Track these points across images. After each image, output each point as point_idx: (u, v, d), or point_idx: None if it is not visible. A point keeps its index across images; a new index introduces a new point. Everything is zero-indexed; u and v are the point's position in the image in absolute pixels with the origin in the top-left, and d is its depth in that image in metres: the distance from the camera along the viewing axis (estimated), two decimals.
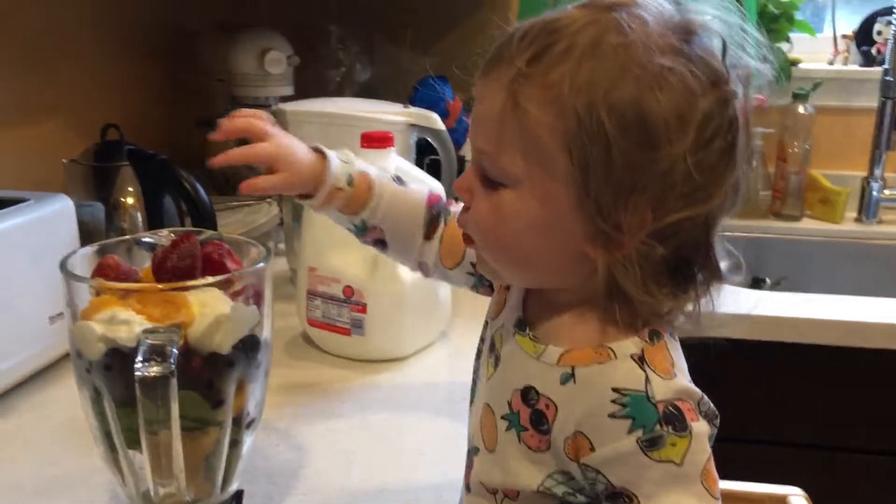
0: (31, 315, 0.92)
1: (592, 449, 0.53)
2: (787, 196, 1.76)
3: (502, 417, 0.58)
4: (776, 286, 1.64)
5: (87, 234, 1.07)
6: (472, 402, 0.66)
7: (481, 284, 0.73)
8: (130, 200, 1.14)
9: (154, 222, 1.12)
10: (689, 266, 0.55)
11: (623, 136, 0.50)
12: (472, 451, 0.62)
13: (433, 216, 0.74)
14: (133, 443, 0.61)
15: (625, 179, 0.51)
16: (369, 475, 0.79)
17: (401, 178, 0.76)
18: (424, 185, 0.77)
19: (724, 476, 0.77)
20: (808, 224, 1.75)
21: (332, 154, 0.72)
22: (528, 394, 0.57)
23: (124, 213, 1.13)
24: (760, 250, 1.71)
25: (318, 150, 0.73)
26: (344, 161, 0.73)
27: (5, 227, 0.90)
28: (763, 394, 1.29)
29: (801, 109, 1.73)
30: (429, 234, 0.74)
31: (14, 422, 0.87)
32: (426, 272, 0.75)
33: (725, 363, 1.24)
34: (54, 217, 0.98)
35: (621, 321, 0.55)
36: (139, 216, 1.13)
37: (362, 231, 0.74)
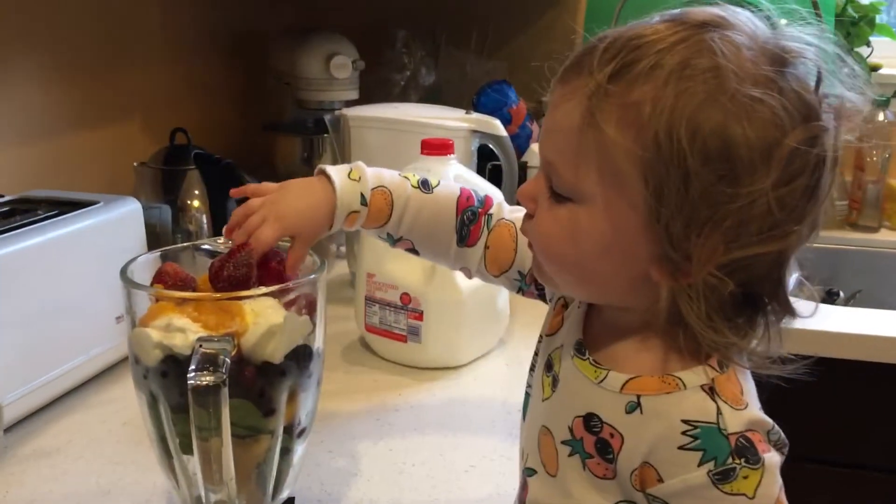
0: (99, 315, 0.95)
1: (661, 480, 0.52)
2: (864, 206, 1.69)
3: (563, 443, 0.57)
4: (851, 300, 1.58)
5: (154, 236, 1.10)
6: (524, 417, 0.65)
7: (527, 288, 0.72)
8: (196, 203, 1.16)
9: (219, 225, 1.14)
10: (758, 301, 0.53)
11: (703, 167, 0.48)
12: (528, 472, 0.61)
13: (466, 221, 0.72)
14: (187, 448, 0.62)
15: (700, 211, 0.49)
16: (419, 487, 0.79)
17: (427, 181, 0.74)
18: (454, 186, 0.75)
19: (793, 499, 0.75)
20: (885, 236, 1.68)
21: (337, 178, 0.70)
22: (590, 421, 0.55)
23: (190, 216, 1.16)
24: (835, 262, 1.65)
25: (322, 173, 0.71)
26: (354, 179, 0.71)
27: (76, 229, 0.93)
28: (835, 413, 1.25)
29: (880, 116, 1.66)
30: (465, 240, 0.72)
31: (80, 419, 0.90)
32: (468, 274, 0.75)
33: (797, 382, 1.21)
34: (123, 219, 1.00)
35: (685, 350, 0.53)
36: (204, 219, 1.15)
37: (392, 242, 0.74)
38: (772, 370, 0.54)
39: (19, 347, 0.85)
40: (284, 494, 0.69)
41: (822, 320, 1.23)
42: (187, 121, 1.26)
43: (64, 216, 0.94)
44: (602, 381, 0.55)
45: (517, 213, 0.73)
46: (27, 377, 0.87)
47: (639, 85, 0.49)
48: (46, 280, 0.89)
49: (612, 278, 0.54)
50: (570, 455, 0.57)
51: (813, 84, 0.50)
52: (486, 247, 0.72)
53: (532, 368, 0.66)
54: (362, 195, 0.70)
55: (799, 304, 0.54)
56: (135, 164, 1.19)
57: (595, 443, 0.55)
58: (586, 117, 0.50)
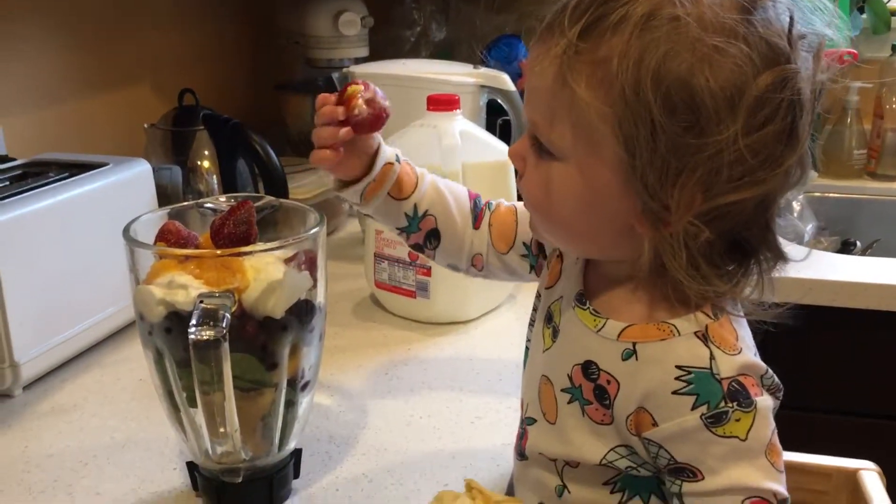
0: (111, 275, 0.95)
1: (655, 424, 0.53)
2: (883, 155, 1.66)
3: (563, 390, 0.58)
4: (867, 250, 1.57)
5: (165, 197, 1.11)
6: (524, 370, 0.66)
7: (535, 263, 0.72)
8: (206, 164, 1.17)
9: (228, 185, 1.15)
10: (747, 247, 0.54)
11: (669, 118, 0.48)
12: (528, 421, 0.62)
13: (477, 206, 0.74)
14: (193, 402, 0.63)
15: (671, 161, 0.49)
16: (426, 438, 0.80)
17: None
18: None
19: (796, 447, 0.76)
20: None
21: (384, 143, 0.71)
22: (588, 368, 0.57)
23: (200, 177, 1.17)
24: (853, 212, 1.63)
25: None
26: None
27: (86, 191, 0.94)
28: (843, 362, 1.24)
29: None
30: (476, 224, 0.73)
31: (95, 377, 0.92)
32: (480, 266, 0.74)
33: (806, 330, 1.21)
34: (133, 180, 1.02)
35: (677, 299, 0.54)
36: (214, 179, 1.16)
37: (416, 221, 0.72)
38: (763, 316, 0.55)
39: (35, 308, 0.87)
40: (291, 446, 0.71)
41: (837, 270, 1.22)
42: (196, 82, 1.26)
43: (74, 178, 0.95)
44: (600, 329, 0.56)
45: (518, 203, 0.74)
46: (44, 337, 0.89)
47: (606, 40, 0.49)
48: (59, 241, 0.90)
49: (597, 233, 0.56)
50: (569, 402, 0.58)
51: (786, 26, 0.50)
52: (490, 225, 0.73)
53: (532, 323, 0.67)
54: (397, 155, 0.71)
55: (790, 248, 0.55)
56: (145, 125, 1.20)
57: (593, 389, 0.56)
58: (558, 77, 0.51)
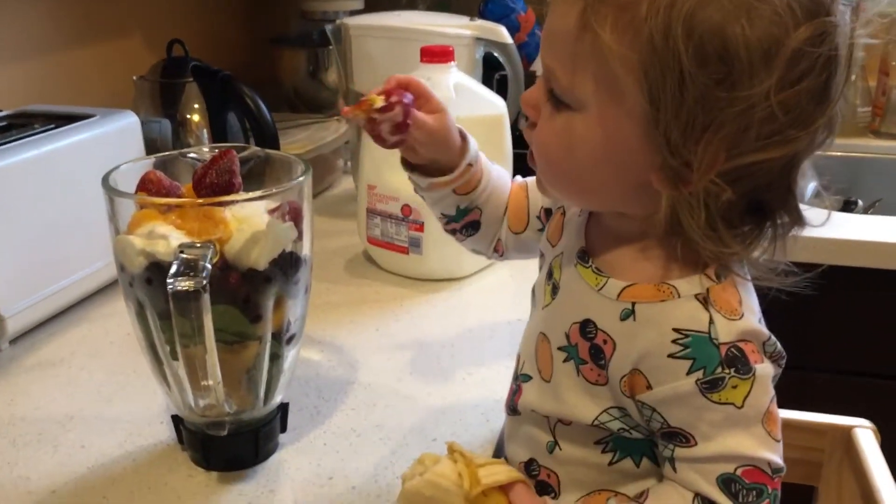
0: (99, 229, 0.93)
1: (649, 387, 0.52)
2: (887, 113, 1.63)
3: (559, 348, 0.57)
4: (869, 209, 1.55)
5: (154, 151, 1.09)
6: (527, 328, 0.65)
7: None
8: (196, 117, 1.15)
9: (219, 139, 1.13)
10: (766, 209, 0.52)
11: (700, 69, 0.45)
12: (523, 378, 0.61)
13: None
14: (176, 355, 0.62)
15: (697, 116, 0.46)
16: (416, 394, 0.79)
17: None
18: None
19: (793, 405, 0.75)
20: None
21: (470, 136, 0.69)
22: (586, 327, 0.55)
23: (190, 130, 1.15)
24: (856, 171, 1.60)
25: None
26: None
27: (72, 142, 0.93)
28: (842, 321, 1.23)
29: None
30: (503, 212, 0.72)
31: (83, 331, 0.91)
32: (501, 251, 0.73)
33: (807, 288, 1.19)
34: (120, 133, 1.00)
35: (683, 259, 0.52)
36: (205, 133, 1.14)
37: (461, 215, 0.70)
38: (774, 282, 0.53)
39: (21, 261, 0.86)
40: (277, 400, 0.70)
41: (839, 228, 1.21)
42: (187, 34, 1.24)
43: (60, 129, 0.93)
44: (601, 287, 0.55)
45: (528, 179, 0.72)
46: (30, 290, 0.87)
47: None
48: (45, 194, 0.89)
49: (611, 186, 0.53)
50: (564, 361, 0.57)
51: None
52: (506, 207, 0.71)
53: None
54: (476, 154, 0.69)
55: (810, 212, 0.52)
56: (133, 77, 1.18)
57: (589, 349, 0.55)
58: (582, 20, 0.48)
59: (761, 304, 0.55)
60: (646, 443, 0.55)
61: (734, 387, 0.49)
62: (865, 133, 1.65)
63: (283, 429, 0.72)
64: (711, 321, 0.50)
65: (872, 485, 0.70)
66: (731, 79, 0.46)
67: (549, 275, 0.61)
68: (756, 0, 0.45)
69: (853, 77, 1.60)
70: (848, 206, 1.53)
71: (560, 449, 0.58)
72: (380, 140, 0.63)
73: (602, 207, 0.57)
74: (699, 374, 0.50)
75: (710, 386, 0.49)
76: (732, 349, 0.50)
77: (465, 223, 0.70)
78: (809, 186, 1.52)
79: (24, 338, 0.89)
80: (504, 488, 0.56)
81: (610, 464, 0.56)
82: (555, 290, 0.59)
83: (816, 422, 0.79)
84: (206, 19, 1.53)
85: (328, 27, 1.24)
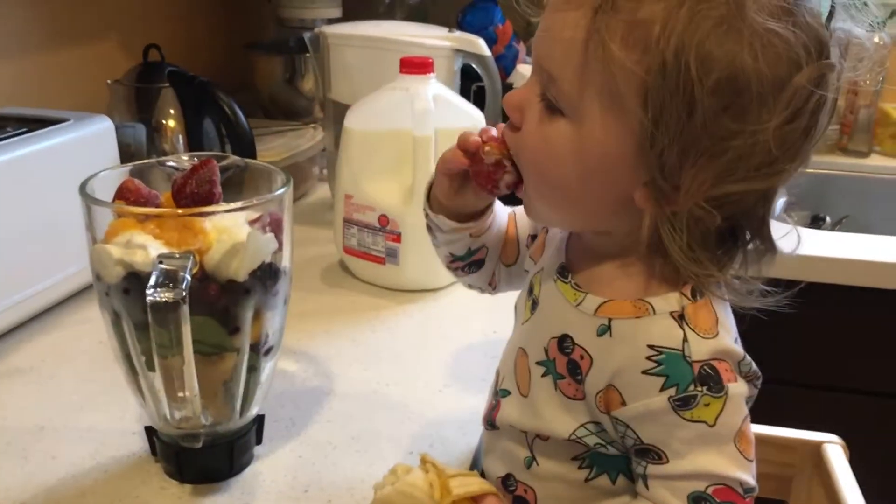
0: (71, 235, 0.92)
1: (624, 403, 0.52)
2: (855, 131, 1.67)
3: (538, 363, 0.57)
4: (837, 225, 1.58)
5: (128, 156, 1.08)
6: (508, 344, 0.65)
7: None
8: (172, 123, 1.14)
9: (194, 145, 1.12)
10: (739, 235, 0.52)
11: (710, 97, 0.45)
12: (502, 393, 0.61)
13: None
14: (152, 366, 0.61)
15: (700, 141, 0.47)
16: (393, 406, 0.79)
17: None
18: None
19: (763, 419, 0.75)
20: (876, 161, 1.66)
21: None
22: (564, 342, 0.55)
23: (165, 136, 1.14)
24: (824, 187, 1.63)
25: None
26: None
27: (45, 147, 0.91)
28: (810, 336, 1.25)
29: (875, 39, 1.62)
30: None
31: (55, 338, 0.90)
32: (494, 285, 0.72)
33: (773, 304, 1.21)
34: (94, 137, 0.98)
35: (661, 277, 0.53)
36: (180, 139, 1.13)
37: (469, 255, 0.68)
38: (750, 302, 0.53)
39: None
40: (254, 412, 0.69)
41: (806, 244, 1.22)
42: (163, 38, 1.22)
43: (33, 133, 0.91)
44: (580, 303, 0.55)
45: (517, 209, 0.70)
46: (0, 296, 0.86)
47: (648, 2, 0.46)
48: (16, 199, 0.87)
49: (594, 201, 0.53)
50: (542, 375, 0.57)
51: (825, 17, 0.48)
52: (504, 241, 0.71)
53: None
54: None
55: (781, 240, 0.53)
56: (108, 81, 1.16)
57: (567, 364, 0.55)
58: (591, 31, 0.47)
59: (740, 322, 0.56)
60: (622, 459, 0.56)
61: (706, 405, 0.50)
62: (834, 150, 1.69)
63: (259, 441, 0.71)
64: (685, 339, 0.51)
65: (842, 500, 0.71)
66: (741, 109, 0.46)
67: (530, 290, 0.61)
68: (772, 34, 0.46)
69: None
70: (816, 223, 1.56)
71: (538, 464, 0.58)
72: (491, 184, 0.58)
73: (580, 225, 0.57)
74: (672, 391, 0.50)
75: (683, 403, 0.50)
76: (706, 367, 0.50)
77: (471, 262, 0.69)
78: (779, 202, 1.54)
79: None
80: (476, 500, 0.56)
81: (587, 480, 0.57)
82: (534, 305, 0.60)
83: (787, 437, 0.80)
84: (182, 24, 1.51)
85: (306, 35, 1.24)
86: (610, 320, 0.53)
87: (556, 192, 0.54)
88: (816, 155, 1.69)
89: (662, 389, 0.50)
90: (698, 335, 0.51)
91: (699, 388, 0.50)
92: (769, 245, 0.53)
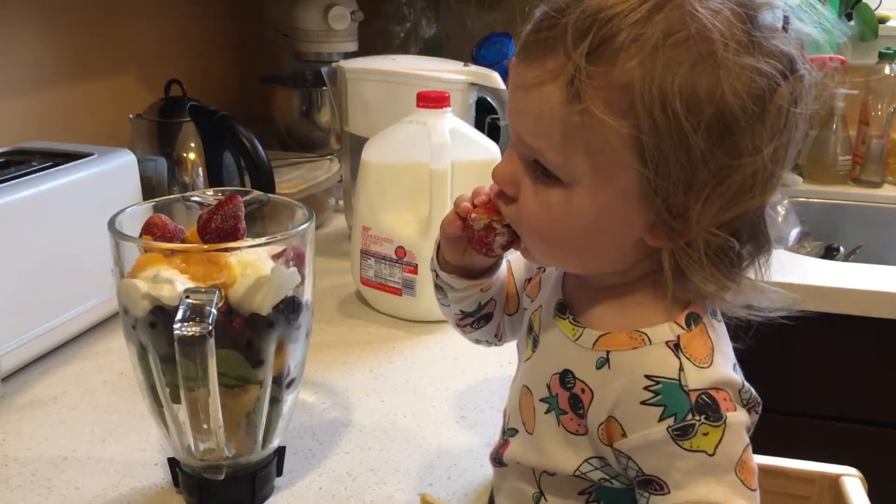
0: (94, 267, 0.95)
1: (624, 435, 0.53)
2: (867, 161, 1.67)
3: (541, 400, 0.58)
4: (850, 256, 1.58)
5: (150, 189, 1.10)
6: (513, 383, 0.66)
7: None
8: (192, 156, 1.16)
9: (214, 178, 1.14)
10: (742, 241, 0.53)
11: (703, 136, 0.47)
12: (510, 432, 0.62)
13: None
14: (176, 398, 0.62)
15: (702, 177, 0.48)
16: (410, 437, 0.80)
17: None
18: None
19: (779, 451, 0.76)
20: (888, 191, 1.67)
21: None
22: (565, 377, 0.56)
23: (186, 169, 1.15)
24: (837, 218, 1.64)
25: None
26: None
27: (70, 181, 0.93)
28: (826, 368, 1.25)
29: (886, 70, 1.64)
30: None
31: (76, 369, 0.91)
32: (499, 335, 0.72)
33: (788, 335, 1.21)
34: (117, 171, 1.00)
35: (657, 307, 0.54)
36: (200, 172, 1.15)
37: (479, 310, 0.68)
38: (768, 307, 0.55)
39: (15, 298, 0.85)
40: (275, 443, 0.70)
41: (820, 275, 1.23)
42: (183, 73, 1.25)
43: (58, 168, 0.93)
44: (578, 338, 0.56)
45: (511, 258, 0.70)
46: (23, 328, 0.87)
47: (621, 61, 0.47)
48: (41, 232, 0.89)
49: (607, 250, 0.54)
50: (546, 412, 0.58)
51: (781, 29, 0.50)
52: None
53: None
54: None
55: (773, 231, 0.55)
56: (130, 116, 1.19)
57: (568, 398, 0.56)
58: (570, 102, 0.48)
59: (741, 349, 0.57)
60: (628, 493, 0.56)
61: (705, 434, 0.50)
62: (846, 181, 1.69)
63: (280, 472, 0.72)
64: (682, 368, 0.51)
65: None
66: (734, 144, 0.48)
67: (530, 328, 0.62)
68: (745, 68, 0.47)
69: (834, 126, 1.64)
70: (829, 253, 1.56)
71: (546, 500, 0.59)
72: (485, 248, 0.59)
73: (590, 268, 0.57)
74: (670, 420, 0.50)
75: (681, 433, 0.50)
76: (703, 396, 0.51)
77: (480, 316, 0.69)
78: (792, 232, 1.55)
79: (16, 376, 0.88)
80: None
81: None
82: (535, 342, 0.61)
83: (805, 469, 0.80)
84: (201, 58, 1.54)
85: (324, 69, 1.26)
86: (608, 352, 0.54)
87: (562, 249, 0.55)
88: (829, 185, 1.71)
89: (661, 419, 0.51)
90: (694, 364, 0.52)
91: (697, 417, 0.50)
92: (767, 240, 0.54)
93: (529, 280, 0.68)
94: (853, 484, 0.77)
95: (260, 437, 0.67)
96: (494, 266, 0.66)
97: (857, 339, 1.23)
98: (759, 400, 0.55)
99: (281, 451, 0.71)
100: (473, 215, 0.58)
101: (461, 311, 0.68)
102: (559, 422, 0.56)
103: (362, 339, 1.00)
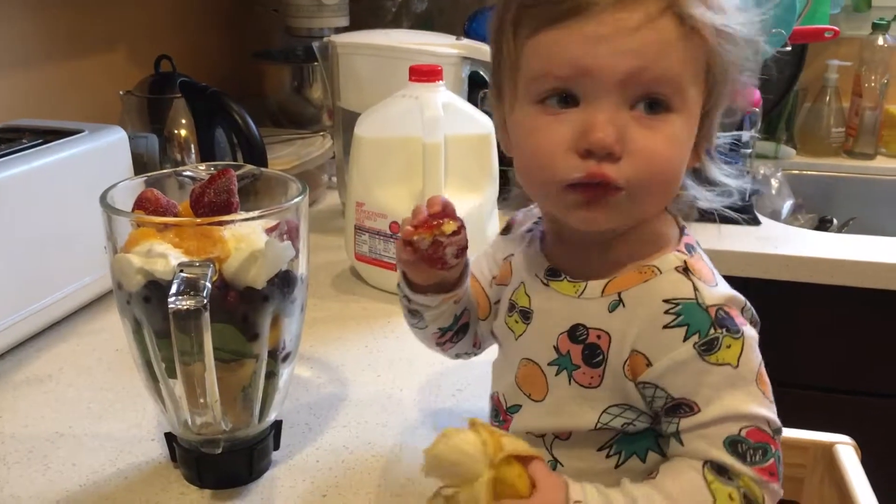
0: (87, 244, 0.94)
1: (649, 364, 0.54)
2: (860, 133, 1.67)
3: (550, 363, 0.58)
4: (844, 227, 1.58)
5: (141, 166, 1.09)
6: (494, 369, 0.66)
7: None
8: (183, 132, 1.15)
9: (206, 154, 1.13)
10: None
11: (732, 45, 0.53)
12: (511, 410, 0.62)
13: None
14: (172, 373, 0.62)
15: (723, 86, 0.55)
16: (407, 410, 0.80)
17: None
18: None
19: None
20: (881, 163, 1.67)
21: None
22: (575, 332, 0.57)
23: (177, 145, 1.15)
24: (830, 190, 1.64)
25: None
26: None
27: (61, 158, 0.92)
28: (820, 338, 1.26)
29: (880, 41, 1.63)
30: None
31: (72, 347, 0.91)
32: (479, 344, 0.71)
33: (784, 306, 1.21)
34: (108, 148, 1.00)
35: (654, 243, 0.57)
36: (192, 148, 1.14)
37: (456, 322, 0.67)
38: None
39: (9, 276, 0.85)
40: (272, 417, 0.70)
41: (813, 246, 1.23)
42: (173, 49, 1.24)
43: (48, 145, 0.93)
44: (582, 293, 0.57)
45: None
46: (18, 305, 0.87)
47: None
48: (33, 209, 0.88)
49: (681, 179, 0.56)
50: (556, 374, 0.58)
51: None
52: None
53: (496, 327, 0.66)
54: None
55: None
56: (120, 92, 1.18)
57: (582, 350, 0.56)
58: (681, 24, 0.51)
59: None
60: (650, 435, 0.56)
61: (728, 346, 0.52)
62: (839, 153, 1.69)
63: (277, 446, 0.72)
64: (696, 288, 0.54)
65: (854, 501, 0.72)
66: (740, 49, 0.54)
67: (511, 308, 0.62)
68: None
69: (827, 98, 1.64)
70: (823, 225, 1.57)
71: (561, 465, 0.59)
72: (439, 263, 0.59)
73: (660, 208, 0.58)
74: (695, 337, 0.52)
75: (707, 348, 0.52)
76: (721, 311, 0.53)
77: (458, 329, 0.68)
78: (786, 204, 1.55)
79: (11, 353, 0.88)
80: (523, 461, 0.55)
81: (616, 466, 0.57)
82: (525, 317, 0.61)
83: (798, 438, 0.80)
84: (191, 33, 1.53)
85: (315, 44, 1.25)
86: (620, 294, 0.55)
87: (675, 185, 0.55)
88: (822, 158, 1.70)
89: (686, 338, 0.52)
90: (705, 284, 0.54)
91: (719, 331, 0.52)
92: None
93: (495, 277, 0.67)
94: (847, 452, 0.78)
95: (256, 411, 0.67)
96: (465, 272, 0.65)
97: (850, 309, 1.23)
98: (758, 320, 0.57)
99: (278, 426, 0.72)
100: (415, 238, 0.59)
101: (439, 328, 0.68)
102: (571, 379, 0.57)
103: (357, 314, 1.00)
